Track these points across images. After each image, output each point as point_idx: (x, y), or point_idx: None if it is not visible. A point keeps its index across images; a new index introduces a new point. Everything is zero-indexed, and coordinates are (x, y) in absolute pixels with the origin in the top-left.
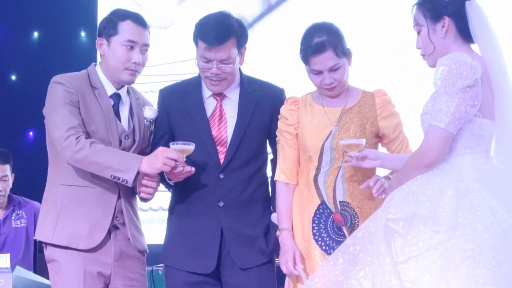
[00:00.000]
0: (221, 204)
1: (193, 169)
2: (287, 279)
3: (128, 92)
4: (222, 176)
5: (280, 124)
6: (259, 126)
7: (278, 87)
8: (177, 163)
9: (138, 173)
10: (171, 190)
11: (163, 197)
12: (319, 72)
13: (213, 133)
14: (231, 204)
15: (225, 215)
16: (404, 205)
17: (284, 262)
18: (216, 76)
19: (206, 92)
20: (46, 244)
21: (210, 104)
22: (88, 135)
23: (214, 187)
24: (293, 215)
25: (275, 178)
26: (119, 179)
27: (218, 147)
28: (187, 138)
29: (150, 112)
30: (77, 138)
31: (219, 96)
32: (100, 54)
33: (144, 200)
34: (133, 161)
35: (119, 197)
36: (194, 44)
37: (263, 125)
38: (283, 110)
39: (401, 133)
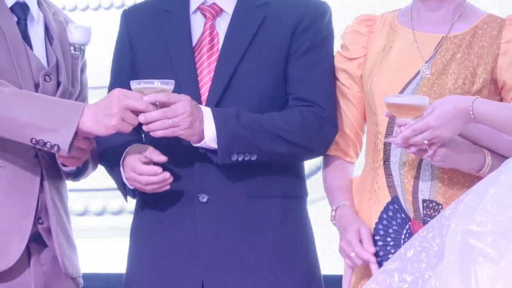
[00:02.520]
0: (203, 198)
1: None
2: (347, 273)
3: (38, 3)
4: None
5: (336, 58)
6: (267, 61)
7: None
8: None
9: (76, 132)
10: (130, 197)
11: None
12: None
13: (198, 71)
14: (221, 199)
15: (208, 221)
16: (498, 211)
17: (346, 245)
18: None
19: (194, 3)
20: None
21: (197, 25)
22: None
23: (192, 169)
24: None
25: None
26: (45, 144)
27: (203, 97)
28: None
29: (79, 34)
30: None
31: (211, 10)
32: None
33: (72, 176)
34: (68, 112)
35: (42, 182)
36: None
37: (275, 59)
38: (345, 33)
39: None
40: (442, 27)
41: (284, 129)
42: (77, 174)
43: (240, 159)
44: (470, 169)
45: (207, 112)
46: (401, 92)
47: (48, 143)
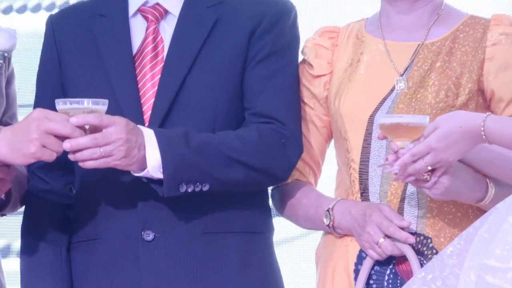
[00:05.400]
0: (149, 235)
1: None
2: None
3: None
4: None
5: (300, 74)
6: (221, 71)
7: None
8: None
9: None
10: None
11: None
12: None
13: (140, 84)
14: (170, 237)
15: (155, 263)
16: None
17: (373, 229)
18: None
19: (133, 4)
20: None
21: (138, 30)
22: None
23: (135, 199)
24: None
25: None
26: None
27: (146, 116)
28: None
29: (2, 39)
30: None
31: (153, 12)
32: None
33: None
34: None
35: None
36: None
37: (230, 68)
38: (306, 47)
39: None
40: (417, 34)
41: (240, 150)
42: (0, 207)
43: (190, 190)
44: (470, 200)
45: (149, 136)
46: (375, 111)
47: None
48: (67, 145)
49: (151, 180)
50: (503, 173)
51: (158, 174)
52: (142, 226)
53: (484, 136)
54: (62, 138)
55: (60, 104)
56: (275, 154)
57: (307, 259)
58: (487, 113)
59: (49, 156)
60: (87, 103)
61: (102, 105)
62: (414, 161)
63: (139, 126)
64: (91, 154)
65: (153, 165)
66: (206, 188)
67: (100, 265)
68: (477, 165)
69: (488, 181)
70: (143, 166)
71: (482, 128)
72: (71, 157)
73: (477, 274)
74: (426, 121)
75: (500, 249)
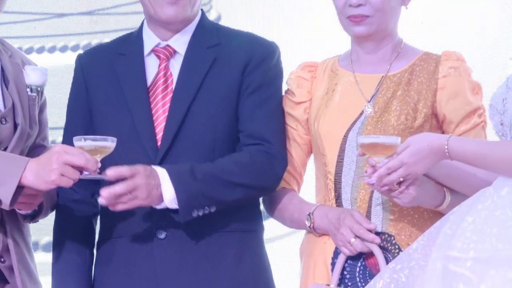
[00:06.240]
0: (162, 235)
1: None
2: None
3: None
4: None
5: (284, 101)
6: (219, 100)
7: (264, 39)
8: (85, 172)
9: (21, 187)
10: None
11: None
12: None
13: (153, 111)
14: (179, 236)
15: (167, 257)
16: (481, 239)
17: (346, 231)
18: None
19: (147, 45)
20: None
21: (151, 67)
22: None
23: (149, 206)
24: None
25: None
26: None
27: (158, 137)
28: (111, 126)
29: (35, 76)
30: None
31: (164, 52)
32: None
33: (29, 219)
34: (10, 167)
35: (2, 223)
36: None
37: (226, 98)
38: (289, 78)
39: (475, 129)
40: (381, 67)
41: (237, 174)
42: (34, 216)
43: (200, 213)
44: (430, 206)
45: (163, 174)
46: (348, 132)
47: None
48: (105, 193)
49: (169, 210)
50: (459, 184)
51: (174, 205)
52: (156, 226)
53: (447, 153)
54: (78, 168)
55: (77, 141)
56: (265, 171)
57: (293, 254)
58: (449, 135)
59: (67, 182)
60: (99, 140)
61: (111, 141)
62: (389, 174)
63: (153, 167)
64: (122, 199)
65: (169, 199)
66: (213, 209)
67: (120, 259)
68: (437, 178)
69: (445, 190)
70: (161, 200)
71: (446, 147)
72: (102, 202)
73: (442, 264)
74: (398, 141)
75: (460, 243)
